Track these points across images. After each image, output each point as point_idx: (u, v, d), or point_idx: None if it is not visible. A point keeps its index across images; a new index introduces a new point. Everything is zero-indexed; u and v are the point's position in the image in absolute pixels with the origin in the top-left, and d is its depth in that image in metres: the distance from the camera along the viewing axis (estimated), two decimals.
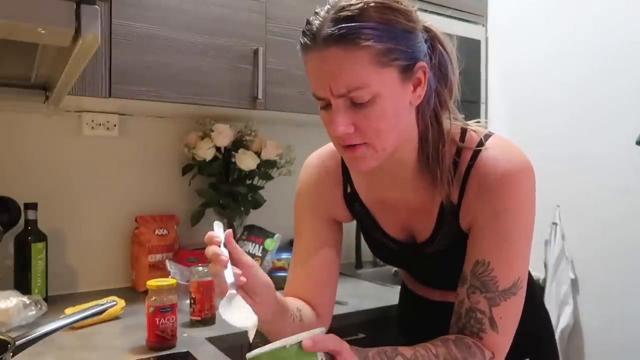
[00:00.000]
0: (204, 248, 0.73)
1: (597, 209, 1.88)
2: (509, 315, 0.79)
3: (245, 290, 0.74)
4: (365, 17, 0.71)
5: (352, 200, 0.97)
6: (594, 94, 1.89)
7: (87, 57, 0.80)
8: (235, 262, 0.73)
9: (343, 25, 0.70)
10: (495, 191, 0.79)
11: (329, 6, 0.74)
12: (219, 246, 0.72)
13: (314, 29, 0.73)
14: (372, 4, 0.71)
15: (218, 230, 0.75)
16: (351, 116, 0.73)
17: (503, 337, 0.78)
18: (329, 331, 0.98)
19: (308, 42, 0.74)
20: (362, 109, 0.73)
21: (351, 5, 0.71)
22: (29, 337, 0.86)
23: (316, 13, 0.75)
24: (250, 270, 0.75)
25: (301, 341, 0.64)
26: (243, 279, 0.72)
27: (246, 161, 1.72)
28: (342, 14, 0.71)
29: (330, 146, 0.99)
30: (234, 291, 0.71)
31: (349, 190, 0.96)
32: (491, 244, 0.79)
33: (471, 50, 2.16)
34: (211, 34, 1.51)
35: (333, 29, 0.70)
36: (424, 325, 1.03)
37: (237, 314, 0.70)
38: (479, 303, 0.78)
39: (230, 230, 0.75)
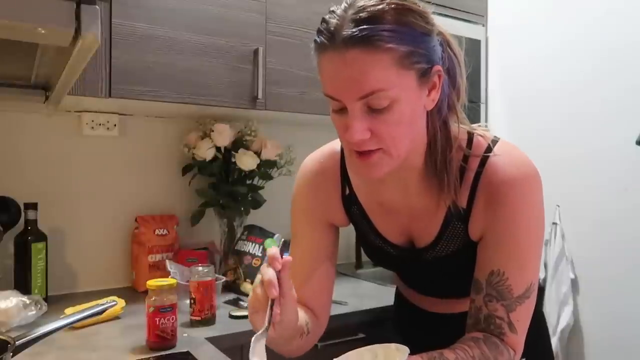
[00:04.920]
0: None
1: (597, 209, 1.87)
2: (524, 317, 0.82)
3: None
4: (386, 19, 0.68)
5: (350, 203, 0.95)
6: (594, 94, 1.89)
7: (87, 57, 0.80)
8: (281, 292, 0.72)
9: (364, 26, 0.68)
10: (506, 200, 0.80)
11: (346, 5, 0.72)
12: (276, 272, 0.71)
13: (332, 28, 0.70)
14: (393, 5, 0.70)
15: (277, 249, 0.74)
16: (368, 121, 0.72)
17: (520, 336, 0.82)
18: (327, 331, 0.99)
19: (325, 41, 0.71)
20: (379, 114, 0.71)
21: (371, 5, 0.69)
22: (29, 337, 0.86)
23: (332, 11, 0.72)
24: (292, 306, 0.75)
25: None
26: (278, 316, 0.71)
27: (246, 161, 1.72)
28: (362, 14, 0.69)
29: (328, 147, 0.98)
30: (265, 331, 0.71)
31: (347, 192, 0.95)
32: (505, 254, 0.81)
33: (471, 50, 2.15)
34: (211, 34, 1.51)
35: (354, 29, 0.68)
36: (419, 335, 1.03)
37: None
38: (497, 310, 0.80)
39: (289, 258, 0.74)
